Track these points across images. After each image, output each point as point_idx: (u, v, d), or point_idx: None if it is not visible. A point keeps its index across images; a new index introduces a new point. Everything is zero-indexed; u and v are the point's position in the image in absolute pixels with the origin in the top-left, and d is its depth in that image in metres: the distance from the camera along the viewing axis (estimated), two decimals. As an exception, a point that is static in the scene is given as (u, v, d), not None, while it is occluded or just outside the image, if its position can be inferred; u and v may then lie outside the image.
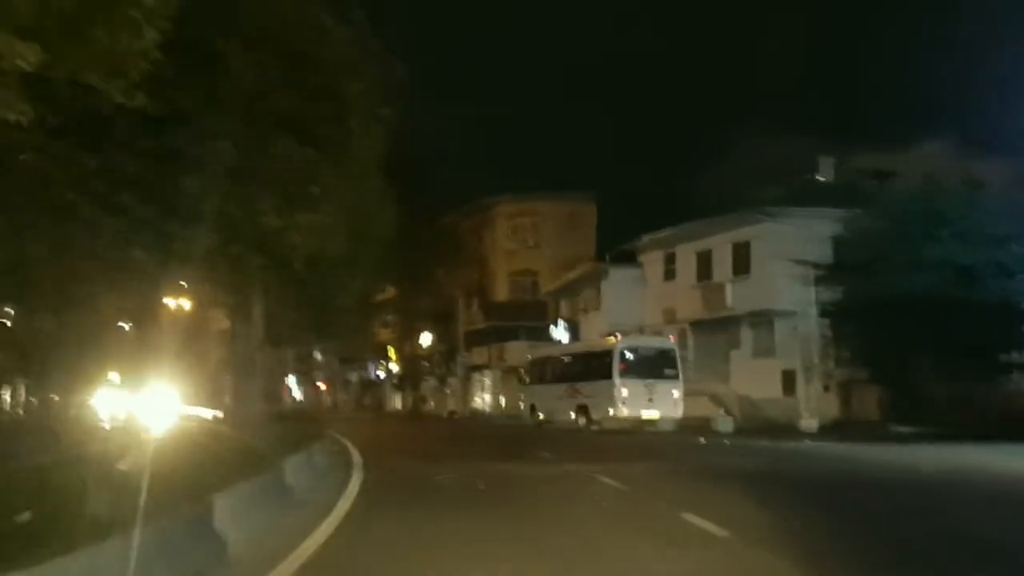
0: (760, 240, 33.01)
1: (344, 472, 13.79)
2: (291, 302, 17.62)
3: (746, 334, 34.19)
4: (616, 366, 28.44)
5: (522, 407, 37.37)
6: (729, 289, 34.08)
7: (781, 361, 32.44)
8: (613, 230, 43.37)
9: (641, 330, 39.17)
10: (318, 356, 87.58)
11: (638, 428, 27.98)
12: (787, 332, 32.27)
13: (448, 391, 54.42)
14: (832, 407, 31.43)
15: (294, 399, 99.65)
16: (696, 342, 36.66)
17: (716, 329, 35.17)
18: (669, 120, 67.23)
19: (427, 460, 14.74)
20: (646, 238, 38.13)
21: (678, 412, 28.73)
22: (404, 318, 55.69)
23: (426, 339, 57.71)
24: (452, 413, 48.38)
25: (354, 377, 74.46)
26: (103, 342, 34.61)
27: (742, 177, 37.73)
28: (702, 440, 23.01)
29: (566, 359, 34.36)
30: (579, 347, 35.06)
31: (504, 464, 14.92)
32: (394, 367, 65.04)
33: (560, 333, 41.99)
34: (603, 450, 19.81)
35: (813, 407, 30.99)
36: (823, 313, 30.53)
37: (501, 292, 47.64)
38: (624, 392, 27.99)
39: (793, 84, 67.94)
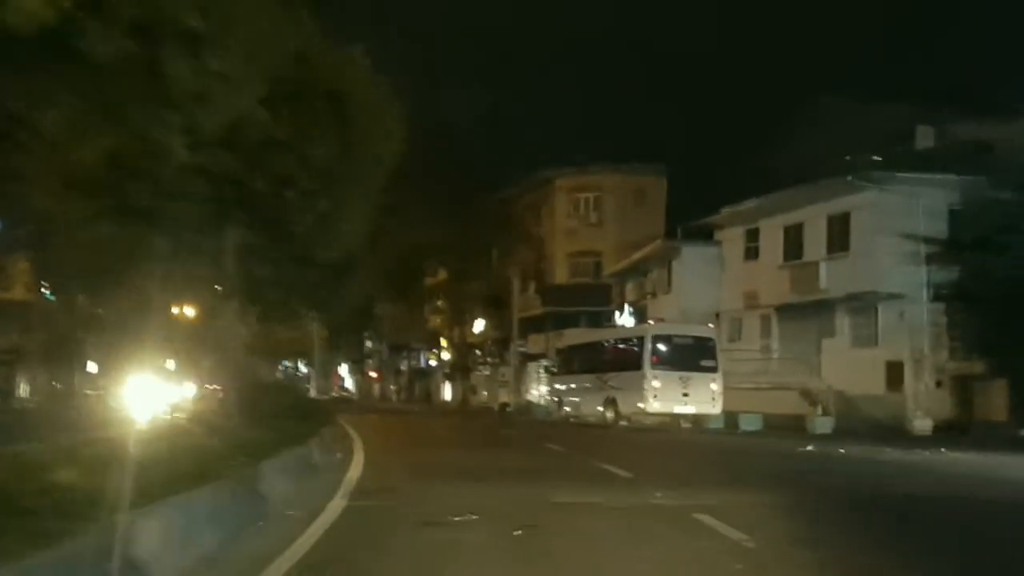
0: (862, 211, 28.55)
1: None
2: (265, 253, 13.90)
3: (842, 320, 29.73)
4: (647, 355, 25.76)
5: (548, 400, 34.22)
6: (823, 268, 29.65)
7: (885, 351, 27.98)
8: (685, 207, 39.24)
9: (717, 316, 35.20)
10: (368, 344, 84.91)
11: (670, 425, 25.96)
12: (892, 318, 27.86)
13: (501, 381, 50.57)
14: (944, 406, 27.03)
15: (345, 389, 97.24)
16: (782, 330, 32.35)
17: (806, 315, 30.79)
18: (748, 88, 62.52)
19: (449, 477, 10.76)
20: (725, 211, 33.82)
21: (716, 408, 26.00)
22: (455, 303, 52.16)
23: (478, 325, 54.18)
24: (504, 406, 44.57)
25: (404, 366, 70.99)
26: (150, 327, 31.80)
27: (831, 148, 33.34)
28: (810, 448, 18.50)
29: (595, 347, 31.23)
30: (609, 334, 31.86)
31: (556, 485, 10.26)
32: (446, 355, 61.64)
33: (625, 319, 37.93)
34: (674, 461, 15.69)
35: (924, 405, 26.64)
36: (936, 297, 26.38)
37: (560, 274, 43.67)
38: (655, 384, 25.34)
39: (884, 50, 62.73)
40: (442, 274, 58.81)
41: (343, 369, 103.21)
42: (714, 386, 25.92)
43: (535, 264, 45.31)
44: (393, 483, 10.13)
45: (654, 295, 37.62)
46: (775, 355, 32.42)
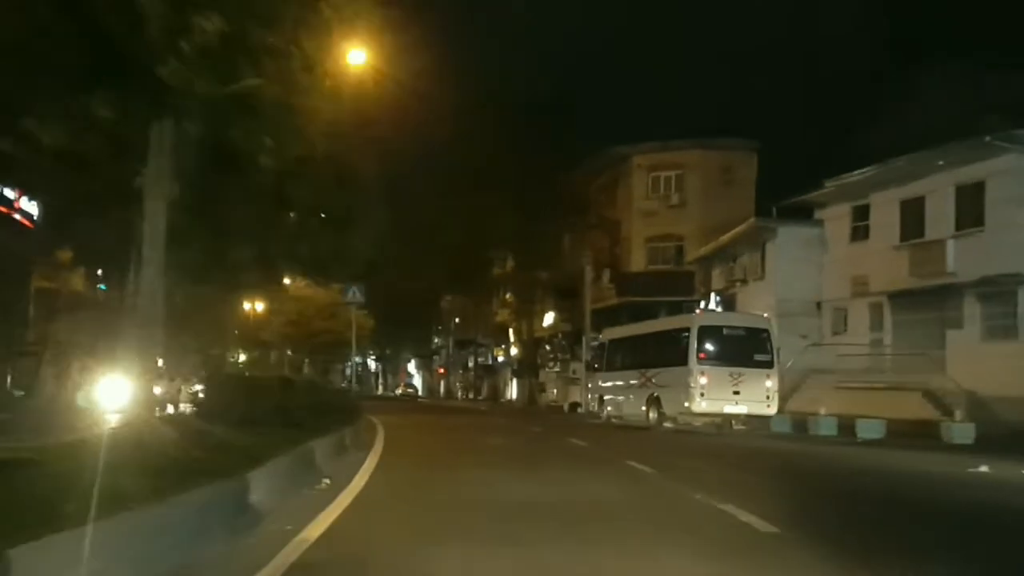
0: (1000, 179, 24.05)
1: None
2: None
3: (972, 309, 25.19)
4: (693, 349, 23.24)
5: (588, 399, 31.27)
6: (951, 248, 25.22)
7: (1028, 345, 23.55)
8: (776, 187, 34.91)
9: (818, 305, 31.02)
10: (437, 341, 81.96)
11: (720, 426, 23.60)
12: (1037, 306, 23.44)
13: (571, 379, 46.76)
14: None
15: (411, 386, 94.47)
16: (896, 321, 27.96)
17: (926, 303, 26.37)
18: (844, 56, 57.14)
19: (485, 526, 7.19)
20: (830, 185, 29.50)
21: (771, 408, 23.48)
22: (523, 294, 48.60)
23: (548, 318, 50.54)
24: (575, 405, 40.75)
25: (471, 362, 67.64)
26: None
27: (946, 119, 28.86)
28: (984, 468, 13.81)
29: (637, 340, 28.33)
30: (653, 325, 28.72)
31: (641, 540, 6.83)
32: (514, 351, 58.17)
33: (711, 309, 33.85)
34: (779, 481, 11.73)
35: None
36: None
37: (637, 261, 39.70)
38: (703, 380, 22.92)
39: (998, 15, 56.98)
40: (510, 264, 55.38)
41: (411, 366, 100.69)
42: (769, 383, 23.24)
43: (609, 250, 41.47)
44: (390, 544, 6.50)
45: (744, 282, 33.46)
46: (888, 350, 28.07)
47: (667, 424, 24.29)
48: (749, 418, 23.52)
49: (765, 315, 26.72)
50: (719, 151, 38.36)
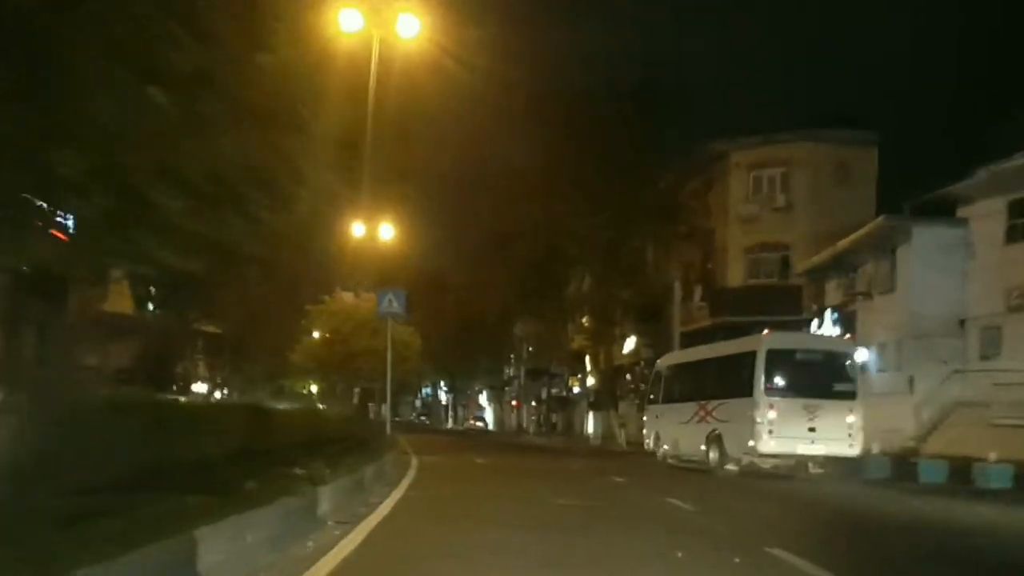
0: None
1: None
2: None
3: None
4: (760, 377, 19.82)
5: (644, 434, 27.72)
6: None
7: None
8: (900, 187, 29.56)
9: (963, 323, 25.50)
10: (509, 371, 77.17)
11: (794, 469, 20.24)
12: None
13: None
14: None
15: (480, 419, 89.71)
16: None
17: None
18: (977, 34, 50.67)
19: None
20: (980, 174, 24.06)
21: (854, 448, 19.78)
22: (601, 316, 43.56)
23: (628, 344, 45.39)
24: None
25: (544, 393, 62.55)
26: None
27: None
28: None
29: (696, 367, 24.88)
30: (714, 349, 25.03)
31: None
32: (591, 380, 53.01)
33: (827, 329, 28.44)
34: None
35: None
36: None
37: (735, 275, 34.36)
38: (771, 415, 19.49)
39: None
40: (587, 283, 50.49)
41: (483, 397, 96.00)
42: (851, 418, 19.68)
43: (701, 264, 36.28)
44: None
45: (868, 296, 28.00)
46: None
47: (729, 466, 20.74)
48: (828, 460, 19.96)
49: (847, 336, 23.89)
50: (832, 145, 32.94)
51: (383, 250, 47.20)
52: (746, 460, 20.38)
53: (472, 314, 66.37)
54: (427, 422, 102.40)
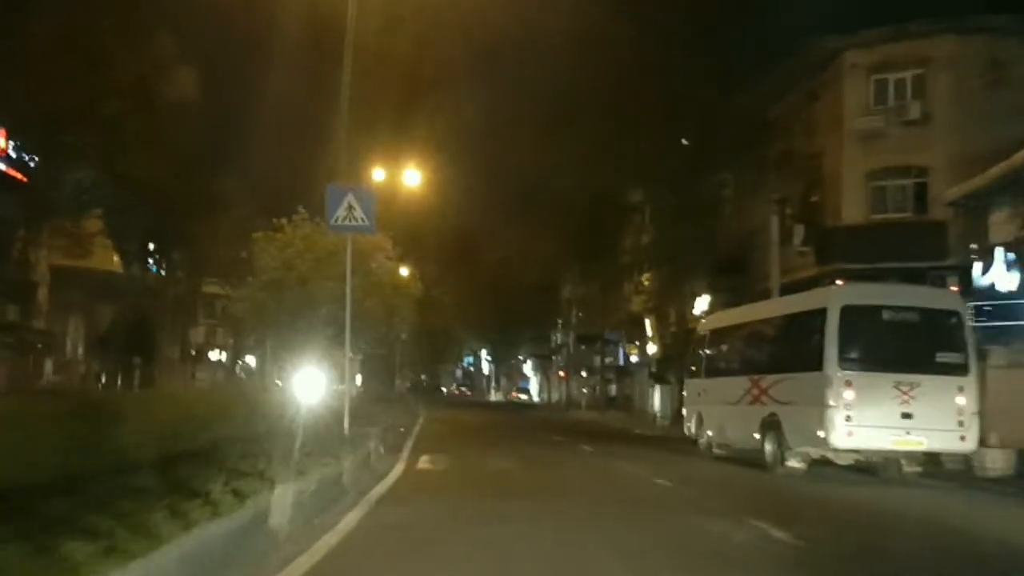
0: None
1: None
2: None
3: None
4: (833, 343, 14.95)
5: (684, 415, 22.68)
6: None
7: None
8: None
9: None
10: (556, 338, 69.95)
11: (884, 468, 15.75)
12: None
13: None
14: None
15: (524, 391, 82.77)
16: None
17: None
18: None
19: None
20: None
21: (968, 440, 14.92)
22: (667, 268, 36.24)
23: (701, 304, 37.75)
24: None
25: (597, 362, 55.12)
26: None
27: None
28: None
29: (748, 332, 19.86)
30: (770, 307, 20.59)
31: None
32: (652, 347, 45.71)
33: (994, 276, 20.74)
34: None
35: None
36: None
37: (852, 210, 26.31)
38: (848, 396, 14.65)
39: None
40: (649, 232, 43.13)
41: (527, 367, 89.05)
42: (962, 400, 14.91)
43: (803, 197, 28.50)
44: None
45: (1058, 227, 20.33)
46: None
47: (792, 463, 15.88)
48: (929, 456, 15.53)
49: (953, 288, 19.04)
50: (983, 37, 24.85)
51: (408, 200, 40.23)
52: (814, 454, 15.71)
53: (514, 275, 59.73)
54: (468, 393, 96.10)
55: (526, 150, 34.80)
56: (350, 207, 12.22)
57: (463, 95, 32.42)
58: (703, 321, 23.04)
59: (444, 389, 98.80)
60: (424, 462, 14.88)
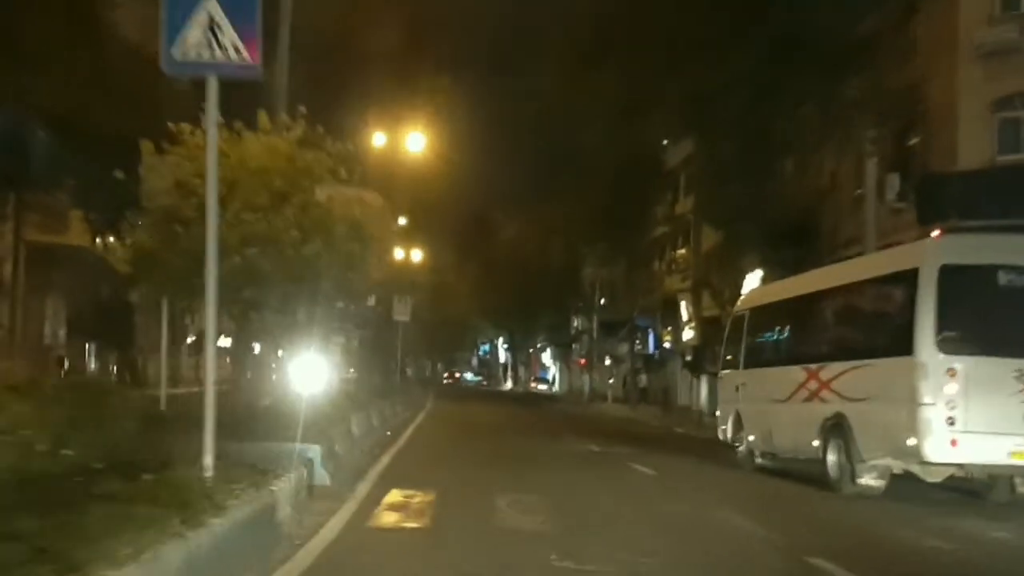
0: None
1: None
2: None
3: None
4: (927, 317, 10.94)
5: (718, 417, 17.94)
6: None
7: None
8: None
9: None
10: (577, 324, 64.18)
11: (992, 488, 12.00)
12: None
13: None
14: None
15: (543, 380, 77.16)
16: None
17: None
18: None
19: None
20: None
21: None
22: (713, 236, 30.71)
23: (751, 280, 31.91)
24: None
25: (623, 350, 49.15)
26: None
27: None
28: None
29: (804, 304, 14.82)
30: (834, 273, 15.10)
31: None
32: (688, 333, 40.11)
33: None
34: None
35: None
36: None
37: (970, 150, 20.22)
38: (951, 390, 10.70)
39: None
40: (683, 204, 37.88)
41: (546, 356, 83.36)
42: None
43: (896, 140, 22.62)
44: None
45: None
46: None
47: (865, 480, 11.88)
48: None
49: None
50: None
51: (419, 173, 34.81)
52: (895, 468, 11.81)
53: (532, 257, 54.23)
54: (484, 383, 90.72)
55: (550, 96, 29.53)
56: (211, 26, 6.44)
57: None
58: (742, 298, 18.54)
59: (456, 376, 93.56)
60: (389, 508, 9.24)
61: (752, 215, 24.93)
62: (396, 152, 32.45)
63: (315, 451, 9.70)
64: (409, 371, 57.27)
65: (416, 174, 39.69)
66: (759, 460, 15.48)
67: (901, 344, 11.24)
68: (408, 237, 48.96)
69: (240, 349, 25.31)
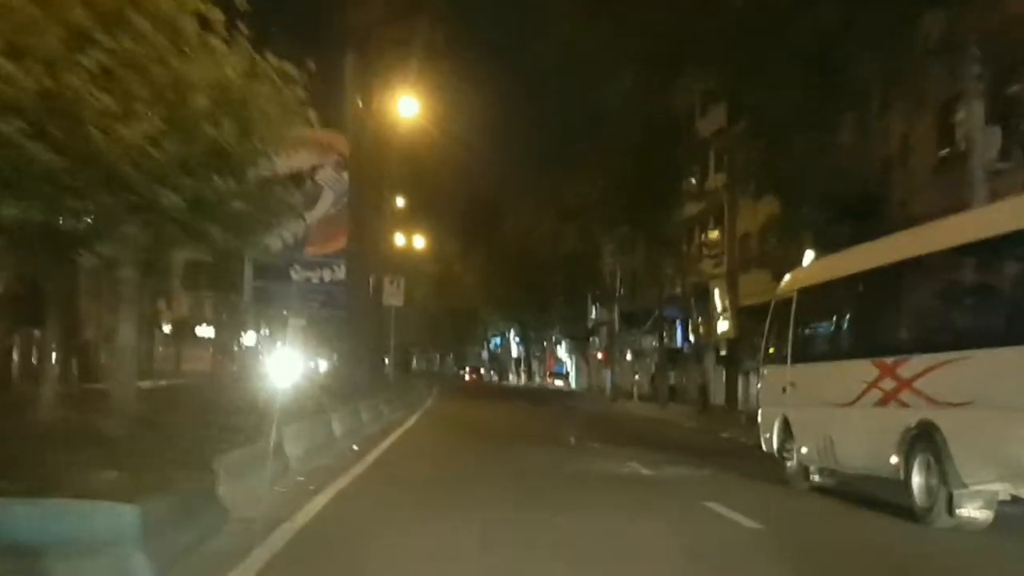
0: None
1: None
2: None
3: None
4: None
5: (760, 423, 14.00)
6: None
7: None
8: None
9: None
10: (593, 315, 60.34)
11: None
12: None
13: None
14: None
15: (560, 376, 73.40)
16: None
17: None
18: None
19: None
20: None
21: None
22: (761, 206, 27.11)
23: (806, 259, 28.05)
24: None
25: (648, 344, 45.11)
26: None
27: None
28: None
29: (876, 282, 10.86)
30: (917, 239, 10.48)
31: None
32: (723, 325, 36.37)
33: None
34: None
35: None
36: None
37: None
38: None
39: None
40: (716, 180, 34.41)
41: (561, 349, 79.48)
42: None
43: (994, 82, 18.69)
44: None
45: None
46: None
47: (967, 510, 8.58)
48: None
49: None
50: None
51: (414, 145, 31.10)
52: (1002, 494, 8.57)
53: (545, 242, 50.66)
54: (494, 377, 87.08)
55: (566, 48, 25.85)
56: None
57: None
58: (789, 276, 14.69)
59: (477, 373, 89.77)
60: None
61: (813, 179, 20.98)
62: (396, 127, 29.10)
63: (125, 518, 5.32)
64: (416, 364, 54.09)
65: (418, 153, 36.35)
66: (815, 478, 12.28)
67: (1013, 329, 8.32)
68: (410, 221, 45.81)
69: (221, 339, 21.34)
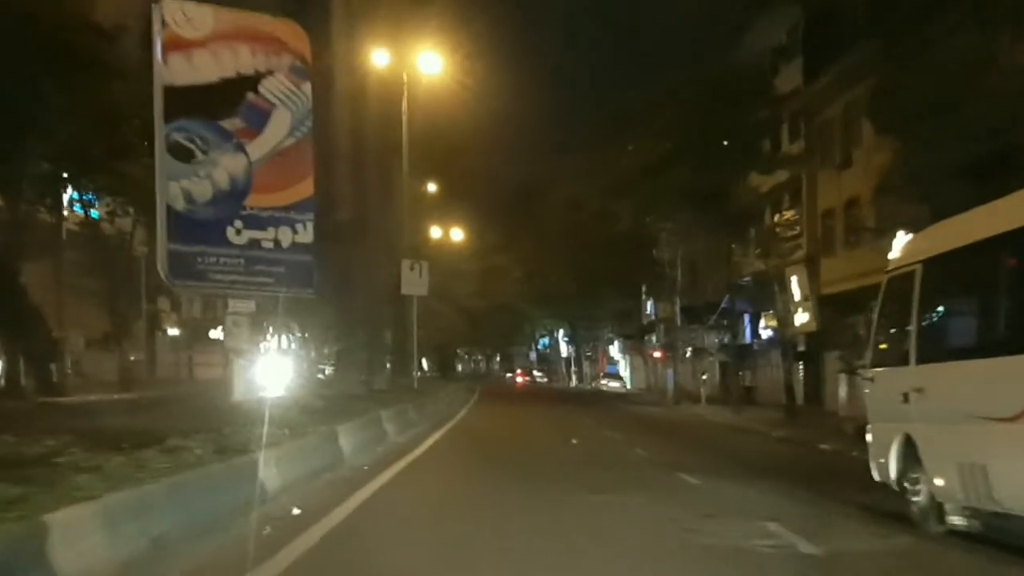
0: None
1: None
2: None
3: None
4: None
5: (870, 443, 9.53)
6: None
7: None
8: None
9: None
10: (655, 310, 55.69)
11: None
12: None
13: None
14: None
15: (613, 376, 68.77)
16: None
17: None
18: None
19: None
20: None
21: None
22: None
23: (898, 242, 23.19)
24: None
25: (714, 340, 40.35)
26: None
27: None
28: None
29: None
30: None
31: None
32: (802, 316, 31.91)
33: None
34: None
35: None
36: None
37: None
38: None
39: None
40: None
41: (614, 348, 74.86)
42: None
43: None
44: None
45: None
46: None
47: None
48: None
49: None
50: None
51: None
52: None
53: (595, 230, 46.28)
54: (543, 380, 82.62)
55: None
56: None
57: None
58: (905, 246, 10.47)
59: (530, 375, 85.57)
60: None
61: (954, 113, 16.24)
62: (418, 86, 25.46)
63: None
64: (459, 366, 50.42)
65: (452, 130, 33.14)
66: (953, 519, 8.77)
67: None
68: (446, 211, 41.74)
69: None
